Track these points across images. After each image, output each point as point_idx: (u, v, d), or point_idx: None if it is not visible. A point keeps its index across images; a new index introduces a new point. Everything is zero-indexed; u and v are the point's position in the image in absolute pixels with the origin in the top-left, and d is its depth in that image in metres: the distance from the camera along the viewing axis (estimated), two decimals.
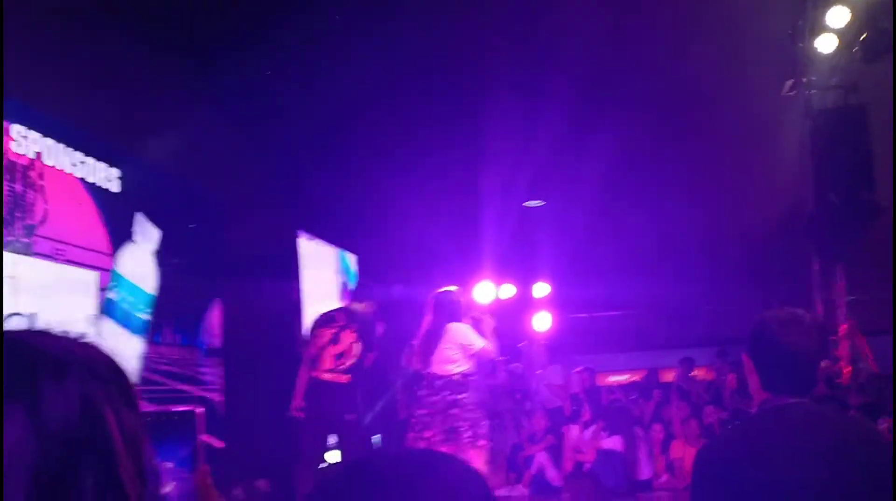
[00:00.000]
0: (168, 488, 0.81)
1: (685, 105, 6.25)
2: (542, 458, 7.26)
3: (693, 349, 8.80)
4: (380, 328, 6.89)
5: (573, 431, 7.49)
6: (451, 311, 4.92)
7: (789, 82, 6.40)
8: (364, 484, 0.70)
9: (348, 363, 5.15)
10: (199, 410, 0.85)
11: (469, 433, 4.74)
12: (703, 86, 5.88)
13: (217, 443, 5.87)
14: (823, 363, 6.48)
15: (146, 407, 0.75)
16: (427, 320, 4.97)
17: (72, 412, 0.63)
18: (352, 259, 8.45)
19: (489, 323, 5.05)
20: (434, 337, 4.85)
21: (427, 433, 4.79)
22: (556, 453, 7.39)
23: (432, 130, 6.39)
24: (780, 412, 1.66)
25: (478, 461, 4.77)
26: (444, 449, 5.01)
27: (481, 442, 4.80)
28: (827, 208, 6.34)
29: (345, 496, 0.70)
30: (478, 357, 4.92)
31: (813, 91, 6.34)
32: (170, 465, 0.82)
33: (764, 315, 1.72)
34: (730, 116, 6.26)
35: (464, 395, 4.78)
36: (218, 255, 6.18)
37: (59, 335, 0.67)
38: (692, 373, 8.57)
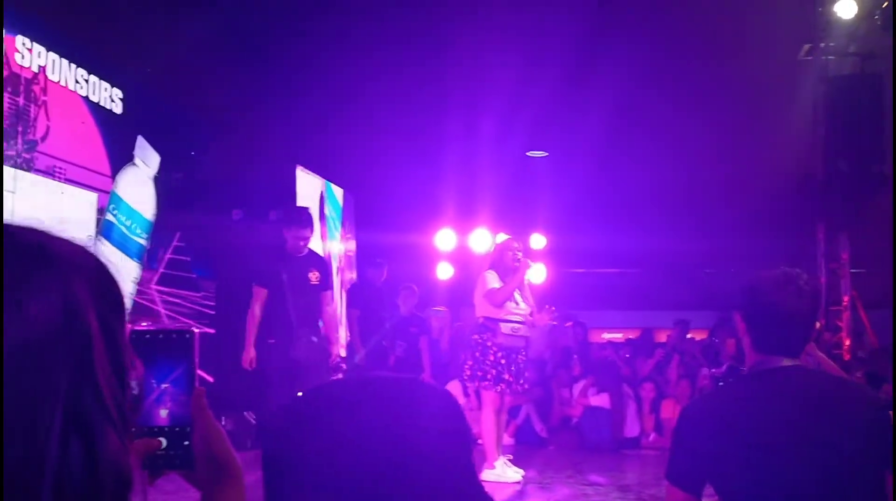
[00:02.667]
0: (164, 411, 0.82)
1: (696, 58, 6.30)
2: (528, 409, 7.59)
3: (690, 310, 9.08)
4: (376, 271, 7.17)
5: (561, 384, 7.81)
6: (492, 259, 5.49)
7: (806, 46, 6.50)
8: (331, 408, 0.72)
9: None
10: (196, 331, 0.85)
11: (491, 376, 5.17)
12: (716, 39, 5.93)
13: (207, 377, 6.21)
14: (827, 337, 6.74)
15: (144, 327, 0.81)
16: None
17: (54, 307, 0.64)
18: (338, 192, 8.64)
19: (543, 271, 5.47)
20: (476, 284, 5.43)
21: (465, 365, 5.40)
22: (543, 405, 7.71)
23: (433, 74, 6.52)
24: (771, 375, 1.65)
25: (493, 399, 5.25)
26: (470, 384, 5.48)
27: (501, 386, 5.20)
28: (836, 176, 6.51)
29: (312, 419, 0.71)
30: (487, 299, 5.26)
31: (830, 57, 6.45)
32: (166, 386, 0.81)
33: (756, 274, 1.73)
34: (742, 74, 6.35)
35: (477, 335, 5.25)
36: (216, 184, 6.41)
37: (55, 234, 0.68)
38: (688, 335, 8.86)
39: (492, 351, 5.20)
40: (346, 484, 0.68)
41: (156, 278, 5.88)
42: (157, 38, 5.21)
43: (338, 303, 7.36)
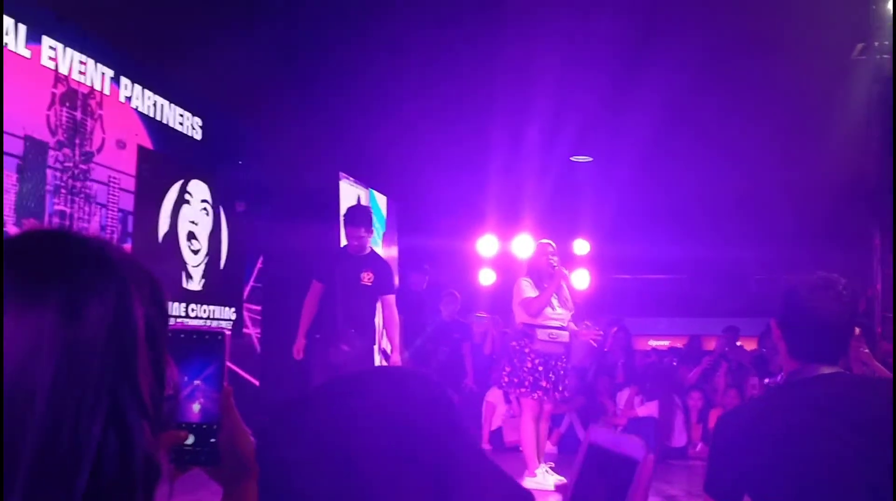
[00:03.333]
0: (196, 406, 0.85)
1: (746, 59, 6.21)
2: (571, 417, 7.58)
3: (739, 318, 8.95)
4: (419, 277, 7.28)
5: (604, 392, 7.77)
6: (529, 264, 5.56)
7: (860, 45, 6.36)
8: (317, 404, 0.72)
9: None
10: (227, 332, 0.90)
11: (528, 382, 5.22)
12: (766, 39, 5.84)
13: (253, 380, 6.39)
14: (884, 346, 6.56)
15: (181, 326, 0.92)
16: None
17: (108, 309, 0.68)
18: (381, 200, 8.76)
19: (587, 277, 5.48)
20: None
21: (503, 372, 5.46)
22: (586, 413, 7.69)
23: (477, 80, 6.58)
24: (810, 383, 1.61)
25: (532, 406, 5.26)
26: (509, 391, 5.51)
27: (538, 393, 5.23)
28: (891, 180, 6.36)
29: (301, 418, 0.72)
30: (522, 308, 5.29)
31: (884, 56, 6.30)
32: (198, 383, 0.85)
33: (794, 279, 1.70)
34: (793, 75, 6.25)
35: (515, 342, 5.31)
36: (264, 193, 6.60)
37: (113, 244, 0.75)
38: (737, 343, 8.73)
39: (529, 358, 5.22)
40: (336, 479, 0.67)
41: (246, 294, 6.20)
42: (205, 48, 5.40)
43: None
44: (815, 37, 5.83)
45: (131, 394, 0.68)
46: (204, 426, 0.85)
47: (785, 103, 6.77)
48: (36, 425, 0.64)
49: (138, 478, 0.68)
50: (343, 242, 5.34)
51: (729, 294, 9.88)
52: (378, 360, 6.43)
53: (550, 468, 5.46)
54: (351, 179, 7.93)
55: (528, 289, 5.30)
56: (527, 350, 5.24)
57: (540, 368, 5.23)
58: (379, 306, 5.22)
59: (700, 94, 6.70)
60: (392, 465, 0.68)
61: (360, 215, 5.17)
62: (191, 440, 0.84)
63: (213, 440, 0.85)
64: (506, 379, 5.32)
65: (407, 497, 0.67)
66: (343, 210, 5.64)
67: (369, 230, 5.23)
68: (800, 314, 1.65)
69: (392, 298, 5.26)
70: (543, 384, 5.23)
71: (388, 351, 5.49)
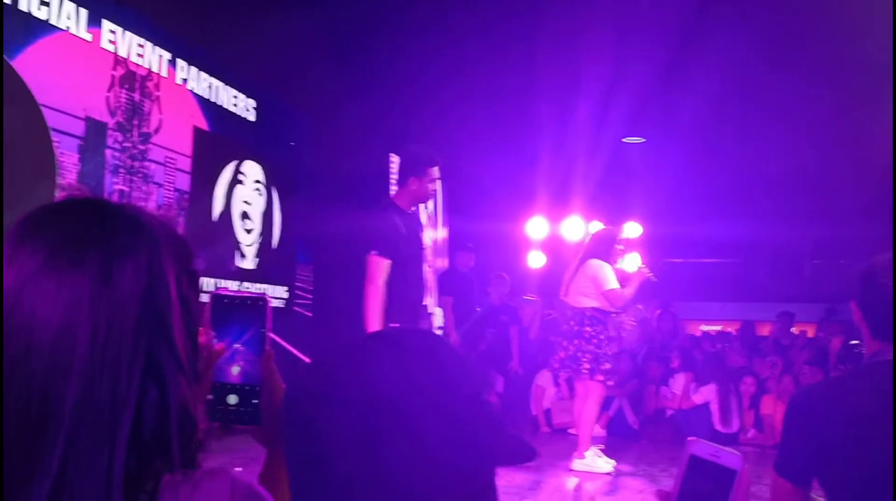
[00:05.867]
0: (236, 369, 0.87)
1: (807, 35, 6.04)
2: (621, 401, 7.56)
3: (795, 303, 8.78)
4: (466, 255, 7.29)
5: (656, 376, 7.72)
6: (598, 248, 5.39)
7: None
8: (340, 365, 0.73)
9: None
10: (269, 298, 0.91)
11: (588, 365, 5.20)
12: (830, 12, 5.65)
13: (304, 358, 6.52)
14: None
15: (224, 291, 0.90)
16: (579, 253, 5.51)
17: (142, 273, 0.72)
18: None
19: (638, 260, 5.44)
20: (577, 270, 5.37)
21: (555, 357, 5.42)
22: (636, 397, 7.66)
23: (527, 58, 6.53)
24: (888, 367, 1.57)
25: (598, 390, 5.29)
26: (563, 375, 5.51)
27: (598, 376, 5.23)
28: None
29: (320, 384, 0.73)
30: (606, 299, 5.26)
31: None
32: (239, 346, 0.87)
33: (871, 260, 1.67)
34: (851, 51, 6.05)
35: (588, 328, 5.23)
36: (314, 172, 6.71)
37: (148, 210, 0.79)
38: (792, 329, 8.58)
39: (605, 344, 5.24)
40: (355, 442, 0.69)
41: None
42: (258, 31, 5.49)
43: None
44: (880, 7, 5.61)
45: (167, 350, 0.73)
46: (247, 387, 0.88)
47: (849, 79, 6.55)
48: (77, 380, 0.68)
49: (177, 429, 0.72)
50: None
51: (783, 279, 9.68)
52: None
53: (600, 449, 5.47)
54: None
55: (612, 278, 5.25)
56: (602, 336, 5.24)
57: (609, 353, 5.28)
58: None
59: (757, 71, 6.53)
60: (412, 412, 0.70)
61: (429, 152, 4.11)
62: (234, 400, 0.87)
63: (255, 400, 0.88)
64: (587, 366, 5.22)
65: (424, 441, 0.70)
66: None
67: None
68: (877, 293, 1.62)
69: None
70: (608, 367, 5.27)
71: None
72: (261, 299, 0.90)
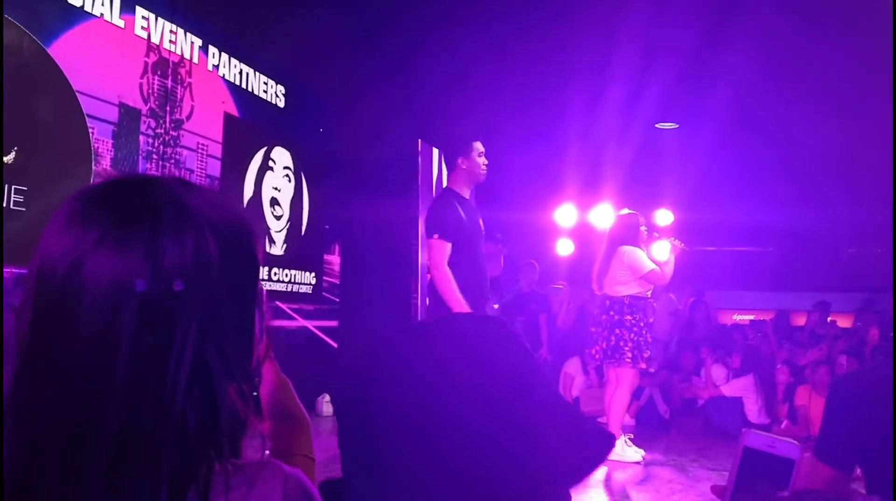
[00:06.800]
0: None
1: (842, 7, 5.88)
2: (652, 390, 7.52)
3: (830, 292, 8.64)
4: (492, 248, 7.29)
5: (688, 365, 7.67)
6: (622, 234, 5.34)
7: None
8: (395, 351, 0.73)
9: None
10: (265, 285, 0.90)
11: (630, 354, 5.20)
12: None
13: (332, 343, 6.59)
14: None
15: None
16: (605, 243, 5.47)
17: (188, 261, 0.68)
18: None
19: (669, 247, 5.39)
20: (608, 259, 5.33)
21: (594, 349, 5.39)
22: (667, 386, 7.62)
23: (556, 42, 6.47)
24: None
25: (634, 379, 5.29)
26: (605, 365, 5.48)
27: (642, 364, 5.24)
28: None
29: (378, 365, 0.72)
30: (647, 281, 5.24)
31: None
32: None
33: None
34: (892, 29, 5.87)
35: (629, 316, 5.21)
36: (342, 160, 6.73)
37: (198, 189, 0.74)
38: (829, 319, 8.45)
39: (645, 331, 5.22)
40: (413, 425, 0.68)
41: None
42: (288, 17, 5.51)
43: None
44: None
45: (216, 353, 0.68)
46: None
47: (887, 57, 6.37)
48: (121, 373, 0.65)
49: (224, 434, 0.69)
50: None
51: (819, 267, 9.52)
52: None
53: (629, 439, 5.45)
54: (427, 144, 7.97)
55: (647, 260, 5.25)
56: (642, 323, 5.24)
57: (650, 340, 5.28)
58: None
59: (795, 52, 6.37)
60: (472, 403, 0.68)
61: (466, 129, 4.15)
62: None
63: (254, 393, 0.85)
64: (629, 355, 5.20)
65: (487, 435, 0.67)
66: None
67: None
68: None
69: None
70: (651, 354, 5.28)
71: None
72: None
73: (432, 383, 0.69)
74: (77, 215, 0.70)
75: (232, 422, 0.69)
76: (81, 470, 0.64)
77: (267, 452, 0.77)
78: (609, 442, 0.73)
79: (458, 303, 3.75)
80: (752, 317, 9.68)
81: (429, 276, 4.00)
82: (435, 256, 3.81)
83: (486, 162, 4.12)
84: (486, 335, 0.73)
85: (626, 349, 5.18)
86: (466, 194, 4.11)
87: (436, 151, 8.27)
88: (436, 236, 3.82)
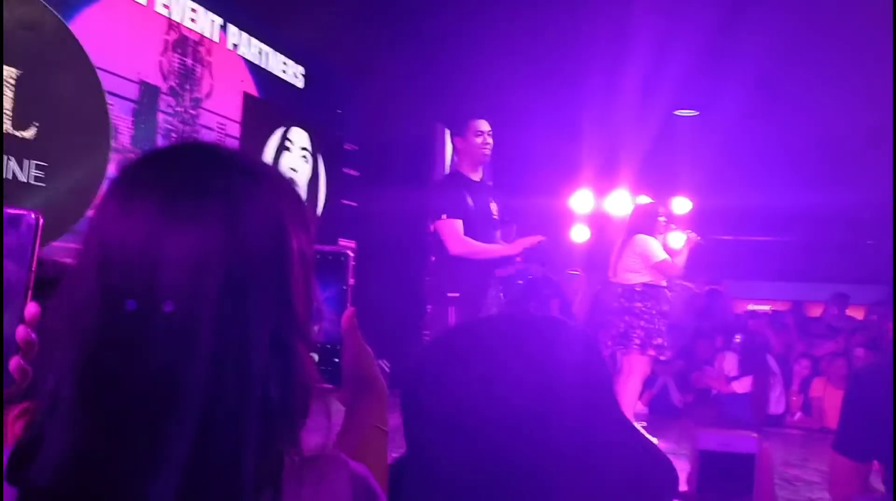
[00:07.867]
0: (316, 328, 0.82)
1: None
2: (666, 379, 7.52)
3: (849, 284, 8.57)
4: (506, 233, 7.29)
5: (703, 355, 7.65)
6: (640, 222, 5.37)
7: None
8: (466, 347, 0.72)
9: None
10: (351, 254, 0.87)
11: (639, 341, 5.20)
12: None
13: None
14: None
15: None
16: (623, 230, 5.51)
17: (262, 222, 0.66)
18: None
19: (684, 238, 5.39)
20: (623, 247, 5.36)
21: (607, 335, 5.43)
22: (681, 375, 7.61)
23: (573, 26, 6.42)
24: None
25: (644, 367, 5.29)
26: (616, 351, 5.50)
27: (651, 351, 5.23)
28: None
29: (449, 360, 0.72)
30: (657, 271, 5.24)
31: None
32: None
33: None
34: None
35: (639, 304, 5.22)
36: (362, 143, 6.74)
37: (262, 159, 0.79)
38: (847, 311, 8.40)
39: (657, 318, 5.22)
40: (483, 424, 0.67)
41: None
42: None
43: None
44: None
45: (290, 320, 0.67)
46: (328, 346, 0.85)
47: None
48: (205, 349, 0.63)
49: (298, 401, 0.67)
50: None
51: (838, 258, 9.44)
52: None
53: (643, 427, 5.46)
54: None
55: (660, 250, 5.26)
56: (654, 312, 5.24)
57: (663, 329, 5.28)
58: None
59: (809, 30, 6.24)
60: (535, 421, 0.67)
61: (466, 110, 4.05)
62: (314, 359, 0.84)
63: (336, 360, 0.85)
64: (637, 342, 5.21)
65: (548, 454, 0.66)
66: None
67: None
68: None
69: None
70: (661, 341, 5.27)
71: None
72: (343, 255, 0.87)
73: (502, 381, 0.68)
74: (139, 189, 0.66)
75: (305, 389, 0.68)
76: (166, 445, 0.61)
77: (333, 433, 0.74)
78: (675, 479, 0.70)
79: (495, 251, 3.74)
80: (767, 307, 9.64)
81: (433, 258, 3.93)
82: (448, 235, 3.70)
83: (489, 142, 3.96)
84: (562, 339, 0.72)
85: (635, 335, 5.20)
86: (475, 176, 3.97)
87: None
88: (444, 215, 3.72)
